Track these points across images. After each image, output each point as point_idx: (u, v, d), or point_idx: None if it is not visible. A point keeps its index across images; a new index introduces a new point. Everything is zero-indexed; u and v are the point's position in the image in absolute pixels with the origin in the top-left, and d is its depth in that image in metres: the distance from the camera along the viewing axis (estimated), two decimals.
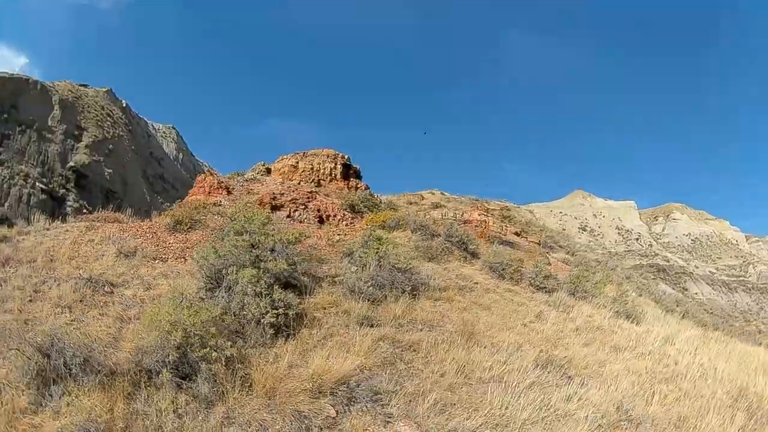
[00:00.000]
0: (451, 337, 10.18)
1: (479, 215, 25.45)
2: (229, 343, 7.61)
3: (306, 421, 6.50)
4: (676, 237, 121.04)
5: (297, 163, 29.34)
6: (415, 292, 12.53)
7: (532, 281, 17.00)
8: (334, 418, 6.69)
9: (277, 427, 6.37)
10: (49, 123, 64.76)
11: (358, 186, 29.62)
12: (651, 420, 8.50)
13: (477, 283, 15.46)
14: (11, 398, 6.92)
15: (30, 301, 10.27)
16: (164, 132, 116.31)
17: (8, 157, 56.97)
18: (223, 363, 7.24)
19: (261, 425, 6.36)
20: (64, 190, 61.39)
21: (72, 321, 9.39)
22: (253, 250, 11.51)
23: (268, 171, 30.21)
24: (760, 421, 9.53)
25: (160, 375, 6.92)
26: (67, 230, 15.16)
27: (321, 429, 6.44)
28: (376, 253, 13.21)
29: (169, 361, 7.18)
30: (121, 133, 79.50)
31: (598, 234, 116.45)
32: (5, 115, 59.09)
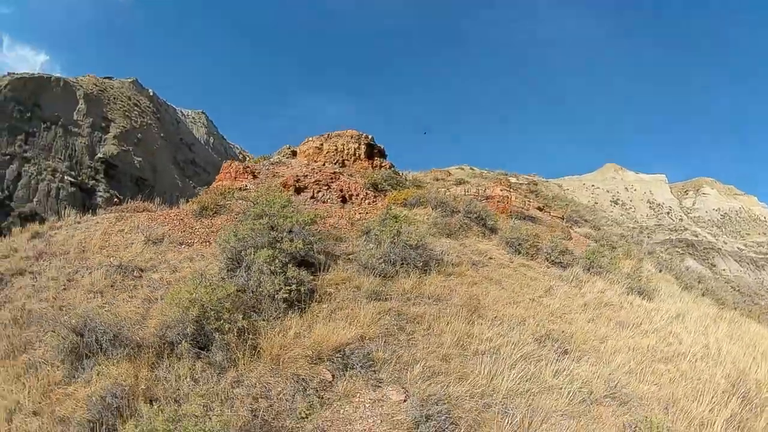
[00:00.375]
0: (456, 311, 10.67)
1: (501, 191, 25.66)
2: (241, 316, 8.58)
3: (303, 384, 7.42)
4: (706, 212, 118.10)
5: (321, 144, 30.02)
6: (426, 268, 13.15)
7: (548, 256, 17.28)
8: (330, 381, 7.60)
9: (278, 388, 7.34)
10: (75, 117, 66.63)
11: (383, 165, 30.13)
12: (638, 399, 8.72)
13: (491, 258, 15.88)
14: (47, 374, 8.11)
15: (64, 289, 11.46)
16: (193, 117, 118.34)
17: (34, 154, 59.03)
18: (235, 334, 8.24)
19: (265, 387, 7.35)
20: (93, 182, 63.29)
21: (104, 304, 10.45)
22: (272, 232, 12.43)
23: (294, 153, 31.00)
24: (755, 409, 9.42)
25: (179, 346, 7.97)
26: (98, 222, 16.28)
27: (317, 390, 7.33)
28: (391, 230, 13.94)
29: (187, 333, 8.24)
30: (149, 121, 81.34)
31: (630, 207, 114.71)
32: (28, 114, 61.21)
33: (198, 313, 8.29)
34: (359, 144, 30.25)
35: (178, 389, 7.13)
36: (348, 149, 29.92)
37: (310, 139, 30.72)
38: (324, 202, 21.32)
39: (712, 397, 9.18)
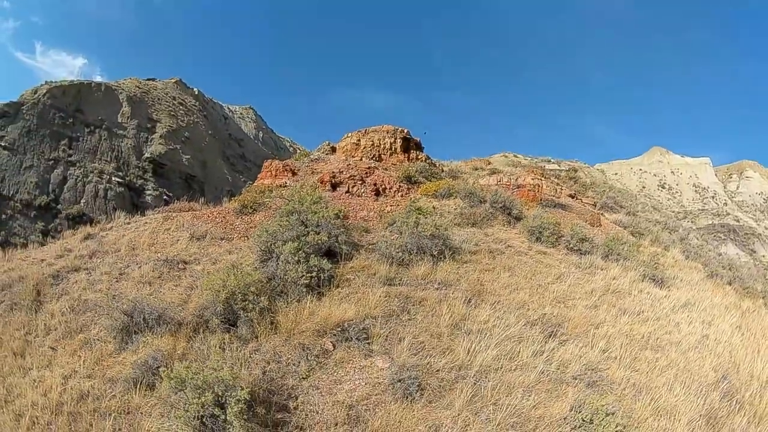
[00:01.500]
0: (461, 295, 11.88)
1: (533, 179, 26.50)
2: (264, 299, 10.44)
3: (307, 351, 9.31)
4: (750, 196, 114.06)
5: (359, 140, 31.41)
6: (441, 256, 14.37)
7: (568, 244, 17.94)
8: (331, 351, 9.42)
9: (288, 355, 9.24)
10: (119, 120, 69.81)
11: (419, 157, 31.33)
12: (609, 383, 9.30)
13: (510, 246, 16.83)
14: (100, 348, 10.15)
15: (116, 281, 13.36)
16: (241, 113, 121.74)
17: (79, 158, 62.13)
18: (257, 312, 10.11)
19: (277, 354, 9.28)
20: (141, 181, 66.22)
21: (152, 292, 12.39)
22: (301, 227, 14.16)
23: (333, 150, 32.59)
24: (735, 405, 9.44)
25: (210, 322, 10.01)
26: (146, 222, 18.21)
27: (317, 357, 9.21)
28: (410, 222, 15.38)
29: (218, 312, 10.24)
30: (195, 119, 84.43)
31: (676, 192, 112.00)
32: (70, 120, 64.65)
33: (227, 296, 10.22)
34: (395, 138, 31.57)
35: (208, 355, 9.07)
36: (384, 144, 31.28)
37: (348, 135, 32.19)
38: (359, 196, 22.73)
39: (688, 387, 9.52)
